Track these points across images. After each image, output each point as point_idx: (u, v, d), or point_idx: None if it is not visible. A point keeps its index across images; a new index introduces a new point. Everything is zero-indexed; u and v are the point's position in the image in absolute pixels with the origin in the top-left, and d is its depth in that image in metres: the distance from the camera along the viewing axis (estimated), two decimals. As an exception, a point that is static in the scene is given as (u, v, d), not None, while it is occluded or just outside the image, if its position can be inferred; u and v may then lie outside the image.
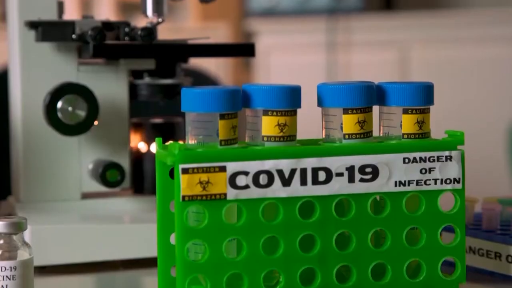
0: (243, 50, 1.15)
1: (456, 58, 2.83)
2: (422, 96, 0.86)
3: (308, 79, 2.89)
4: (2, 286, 0.80)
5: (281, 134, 0.84)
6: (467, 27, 2.83)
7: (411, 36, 2.86)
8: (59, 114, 1.01)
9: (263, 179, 0.83)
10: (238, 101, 0.84)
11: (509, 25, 2.80)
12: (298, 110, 0.85)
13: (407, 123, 0.87)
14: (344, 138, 0.86)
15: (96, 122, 1.03)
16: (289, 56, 2.93)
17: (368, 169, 0.85)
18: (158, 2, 1.10)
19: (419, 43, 2.85)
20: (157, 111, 1.16)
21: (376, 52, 2.87)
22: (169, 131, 1.11)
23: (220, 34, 3.18)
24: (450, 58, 2.83)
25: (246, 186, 0.82)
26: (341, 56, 2.88)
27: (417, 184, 0.86)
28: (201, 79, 1.84)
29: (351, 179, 0.85)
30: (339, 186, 0.84)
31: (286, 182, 0.83)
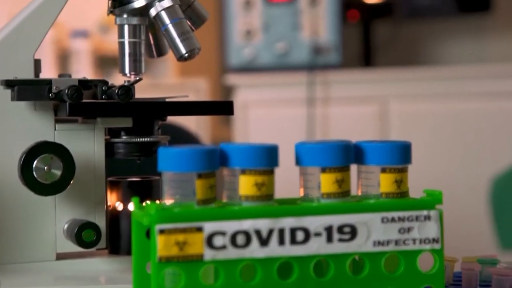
0: (221, 108, 1.15)
1: (435, 113, 2.84)
2: (400, 155, 0.86)
3: (288, 133, 2.89)
4: None
5: (258, 193, 0.84)
6: (445, 82, 2.85)
7: (390, 92, 2.87)
8: (35, 174, 1.00)
9: (240, 239, 0.82)
10: (215, 161, 0.84)
11: (485, 81, 2.83)
12: (276, 167, 0.85)
13: (385, 182, 0.86)
14: (322, 197, 0.85)
15: (72, 181, 1.02)
16: (269, 110, 2.94)
17: (347, 229, 0.84)
18: (136, 61, 1.10)
19: (398, 98, 2.86)
20: (134, 170, 1.15)
21: (355, 107, 2.88)
22: (146, 190, 1.10)
23: (200, 89, 3.19)
24: (429, 113, 2.84)
25: (224, 247, 0.81)
26: (321, 111, 2.89)
27: (396, 244, 0.85)
28: (181, 134, 1.83)
29: (329, 239, 0.84)
30: (317, 246, 0.83)
31: (264, 242, 0.82)
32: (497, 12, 3.19)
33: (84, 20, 3.30)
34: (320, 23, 2.97)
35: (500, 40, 3.32)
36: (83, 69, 3.21)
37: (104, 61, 3.35)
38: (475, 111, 2.82)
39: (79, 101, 1.02)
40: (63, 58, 3.30)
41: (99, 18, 3.32)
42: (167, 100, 1.11)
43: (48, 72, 3.13)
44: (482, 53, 3.34)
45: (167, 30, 1.08)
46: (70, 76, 1.09)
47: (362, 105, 2.89)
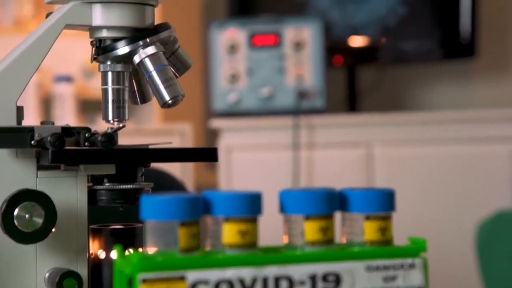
0: (205, 154, 1.14)
1: (420, 157, 2.84)
2: (384, 203, 0.86)
3: (273, 178, 2.89)
4: None
5: (242, 241, 0.83)
6: (430, 127, 2.86)
7: (374, 136, 2.88)
8: (16, 222, 0.99)
9: (224, 288, 0.81)
10: (198, 209, 0.83)
11: (469, 126, 2.84)
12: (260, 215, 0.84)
13: (370, 230, 0.86)
14: (306, 245, 0.85)
15: (53, 229, 1.01)
16: (254, 154, 2.94)
17: (331, 277, 0.83)
18: (119, 107, 1.09)
19: (383, 142, 2.87)
20: (117, 217, 1.14)
21: (340, 151, 2.89)
22: (129, 238, 1.09)
23: (184, 133, 3.19)
24: (414, 158, 2.85)
25: (207, 296, 0.80)
26: (305, 155, 2.89)
27: (380, 293, 0.84)
28: (165, 179, 1.82)
29: (313, 288, 0.83)
30: (301, 295, 0.83)
31: (248, 291, 0.82)
32: (481, 57, 3.21)
33: (68, 65, 3.31)
34: (304, 68, 2.98)
35: (484, 85, 3.34)
36: (66, 113, 3.20)
37: (88, 106, 3.35)
38: (460, 156, 2.82)
39: (61, 148, 1.02)
40: (47, 102, 3.30)
41: (83, 63, 3.32)
42: (150, 147, 1.11)
43: (31, 116, 3.12)
44: (467, 98, 3.36)
45: (150, 77, 1.08)
46: (52, 123, 1.08)
47: (347, 150, 2.89)
